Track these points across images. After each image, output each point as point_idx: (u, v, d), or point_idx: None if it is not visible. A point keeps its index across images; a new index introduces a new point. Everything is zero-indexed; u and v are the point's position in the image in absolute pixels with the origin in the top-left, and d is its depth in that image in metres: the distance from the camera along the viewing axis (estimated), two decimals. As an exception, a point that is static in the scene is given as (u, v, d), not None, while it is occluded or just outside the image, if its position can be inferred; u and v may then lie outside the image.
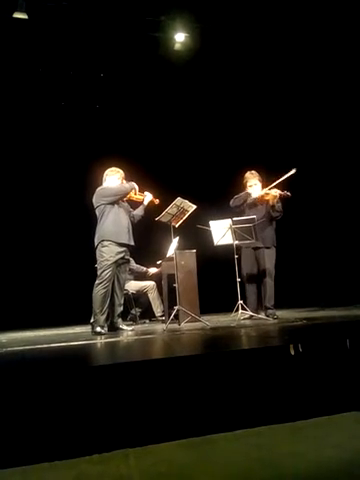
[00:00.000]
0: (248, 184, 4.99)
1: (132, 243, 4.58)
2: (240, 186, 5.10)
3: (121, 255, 4.44)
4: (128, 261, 4.74)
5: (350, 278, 6.42)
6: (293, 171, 4.62)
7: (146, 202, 4.69)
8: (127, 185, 4.60)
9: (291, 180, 4.75)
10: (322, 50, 6.40)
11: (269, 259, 4.78)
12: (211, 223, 4.68)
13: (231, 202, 5.00)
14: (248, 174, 5.02)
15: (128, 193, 4.58)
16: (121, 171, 4.63)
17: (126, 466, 1.72)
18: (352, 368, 2.32)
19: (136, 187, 4.64)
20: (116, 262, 4.41)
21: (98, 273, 4.39)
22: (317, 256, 6.98)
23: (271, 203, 4.72)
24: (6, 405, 1.88)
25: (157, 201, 4.76)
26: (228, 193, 5.20)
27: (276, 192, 4.70)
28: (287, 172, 4.67)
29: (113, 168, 4.65)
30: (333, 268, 6.72)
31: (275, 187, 4.75)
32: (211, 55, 6.75)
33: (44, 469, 1.73)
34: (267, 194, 4.77)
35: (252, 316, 4.68)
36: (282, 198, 4.75)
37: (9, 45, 6.14)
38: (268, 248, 4.78)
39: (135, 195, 4.67)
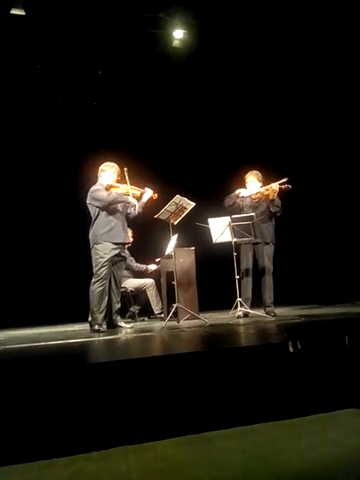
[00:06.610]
0: (246, 180, 5.00)
1: (128, 241, 4.55)
2: (236, 183, 5.11)
3: (116, 252, 4.41)
4: (124, 258, 4.70)
5: (348, 275, 6.42)
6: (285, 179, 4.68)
7: (145, 199, 4.60)
8: (118, 197, 4.40)
9: (291, 179, 4.76)
10: (321, 46, 6.38)
11: (268, 256, 4.80)
12: (210, 221, 4.69)
13: (225, 202, 5.01)
14: (249, 172, 5.03)
15: (116, 203, 4.42)
16: (116, 165, 4.57)
17: (125, 463, 1.72)
18: (350, 365, 2.33)
19: (130, 201, 4.46)
20: (111, 259, 4.38)
21: (94, 271, 4.36)
22: (315, 253, 6.99)
23: (271, 197, 4.73)
24: (5, 403, 1.88)
25: (156, 196, 4.69)
26: (226, 191, 5.19)
27: (276, 186, 4.71)
28: (282, 177, 4.73)
29: (108, 163, 4.60)
30: (331, 265, 6.73)
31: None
32: (209, 52, 6.74)
33: (43, 466, 1.74)
34: (267, 190, 4.79)
35: (249, 313, 4.69)
36: (283, 192, 4.76)
37: (7, 42, 6.12)
38: (267, 244, 4.80)
39: (134, 190, 4.53)
